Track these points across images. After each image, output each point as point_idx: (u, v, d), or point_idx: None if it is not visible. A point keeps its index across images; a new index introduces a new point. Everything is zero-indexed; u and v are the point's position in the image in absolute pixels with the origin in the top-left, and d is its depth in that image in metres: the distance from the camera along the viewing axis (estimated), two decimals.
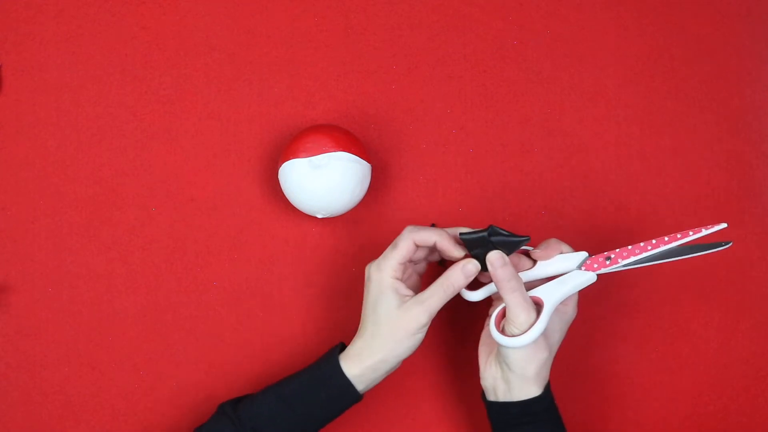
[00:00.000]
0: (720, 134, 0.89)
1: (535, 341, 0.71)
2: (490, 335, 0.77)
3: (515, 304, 0.71)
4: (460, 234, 0.74)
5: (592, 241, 0.86)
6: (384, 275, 0.73)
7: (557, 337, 0.75)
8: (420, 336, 0.73)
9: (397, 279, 0.73)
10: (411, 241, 0.74)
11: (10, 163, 0.85)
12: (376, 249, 0.85)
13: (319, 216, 0.81)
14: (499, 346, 0.73)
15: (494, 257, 0.72)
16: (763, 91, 0.89)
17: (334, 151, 0.79)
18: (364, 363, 0.73)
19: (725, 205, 0.88)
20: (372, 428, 0.84)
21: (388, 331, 0.72)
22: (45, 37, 0.86)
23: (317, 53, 0.87)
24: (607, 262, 0.75)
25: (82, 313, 0.84)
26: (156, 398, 0.83)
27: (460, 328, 0.85)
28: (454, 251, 0.74)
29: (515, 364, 0.72)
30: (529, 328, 0.70)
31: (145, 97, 0.86)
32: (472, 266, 0.73)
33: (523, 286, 0.72)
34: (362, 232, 0.86)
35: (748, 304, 0.87)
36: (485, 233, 0.72)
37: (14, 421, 0.82)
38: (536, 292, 0.74)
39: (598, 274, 0.75)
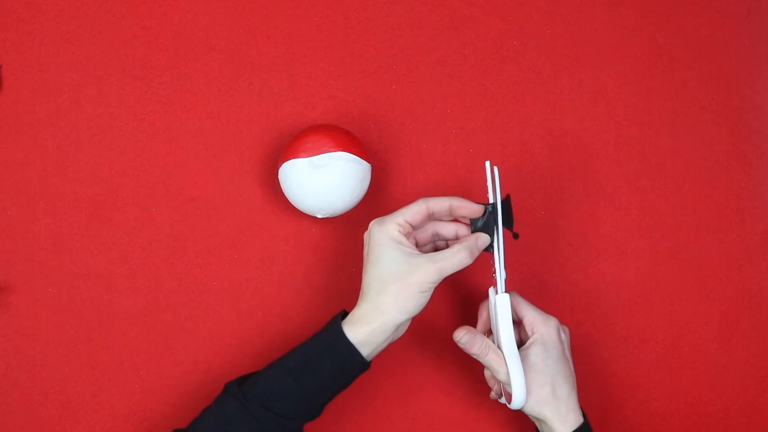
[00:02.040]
0: (720, 134, 0.89)
1: (524, 400, 0.72)
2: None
3: (492, 362, 0.74)
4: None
5: (592, 240, 0.86)
6: (387, 228, 0.71)
7: (551, 364, 0.74)
8: (427, 296, 0.71)
9: (400, 234, 0.72)
10: (424, 205, 0.73)
11: (10, 163, 0.85)
12: None
13: (319, 216, 0.81)
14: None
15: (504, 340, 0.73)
16: (763, 91, 0.89)
17: (334, 151, 0.79)
18: (370, 326, 0.70)
19: (725, 205, 0.88)
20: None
21: (399, 287, 0.70)
22: (45, 37, 0.86)
23: (317, 53, 0.87)
24: (494, 276, 0.75)
25: (82, 313, 0.84)
26: (156, 398, 0.83)
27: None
28: (474, 206, 0.73)
29: (529, 414, 0.74)
30: (512, 388, 0.72)
31: (145, 97, 0.86)
32: (486, 238, 0.73)
33: (520, 361, 0.73)
34: (362, 232, 0.85)
35: (748, 304, 0.87)
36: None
37: (14, 421, 0.82)
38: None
39: (503, 292, 0.74)
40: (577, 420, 0.74)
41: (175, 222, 0.85)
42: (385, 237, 0.71)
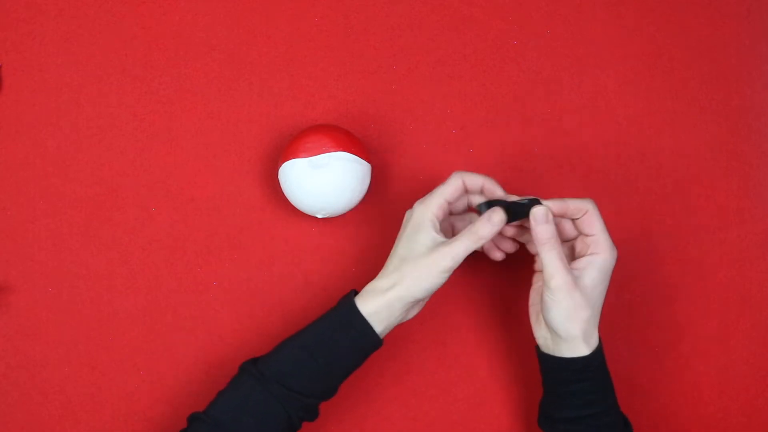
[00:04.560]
0: (720, 134, 0.89)
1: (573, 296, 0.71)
2: (538, 293, 0.77)
3: (550, 266, 0.71)
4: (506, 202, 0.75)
5: None
6: (428, 209, 0.73)
7: (599, 291, 0.73)
8: (439, 281, 0.72)
9: (438, 218, 0.73)
10: (461, 180, 0.74)
11: (10, 163, 0.85)
12: (376, 249, 0.85)
13: (319, 216, 0.81)
14: (541, 309, 0.73)
15: (538, 212, 0.72)
16: (763, 91, 0.89)
17: (334, 151, 0.79)
18: (379, 298, 0.72)
19: (725, 205, 0.88)
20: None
21: (412, 267, 0.71)
22: (45, 37, 0.86)
23: (317, 53, 0.87)
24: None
25: (82, 313, 0.84)
26: (156, 398, 0.83)
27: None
28: (500, 191, 0.75)
29: (559, 326, 0.72)
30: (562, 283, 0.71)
31: (145, 97, 0.86)
32: (497, 216, 0.73)
33: (560, 247, 0.72)
34: (362, 232, 0.86)
35: (748, 304, 0.87)
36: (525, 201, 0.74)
37: (14, 421, 0.82)
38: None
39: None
40: (596, 340, 0.74)
41: (175, 222, 0.85)
42: (424, 218, 0.73)
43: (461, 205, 0.77)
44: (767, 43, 0.90)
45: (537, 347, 0.77)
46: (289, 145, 0.80)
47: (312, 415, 0.74)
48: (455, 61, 0.88)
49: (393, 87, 0.87)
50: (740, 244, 0.87)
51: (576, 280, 0.72)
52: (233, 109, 0.86)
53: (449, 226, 0.78)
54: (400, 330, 0.84)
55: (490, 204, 0.74)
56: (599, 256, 0.73)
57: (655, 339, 0.86)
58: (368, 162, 0.81)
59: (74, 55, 0.86)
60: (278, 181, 0.82)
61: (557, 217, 0.75)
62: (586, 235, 0.74)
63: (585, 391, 0.74)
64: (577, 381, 0.73)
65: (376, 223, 0.86)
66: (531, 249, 0.79)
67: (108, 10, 0.87)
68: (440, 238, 0.73)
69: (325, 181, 0.78)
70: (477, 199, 0.76)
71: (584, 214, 0.74)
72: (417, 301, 0.73)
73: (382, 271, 0.74)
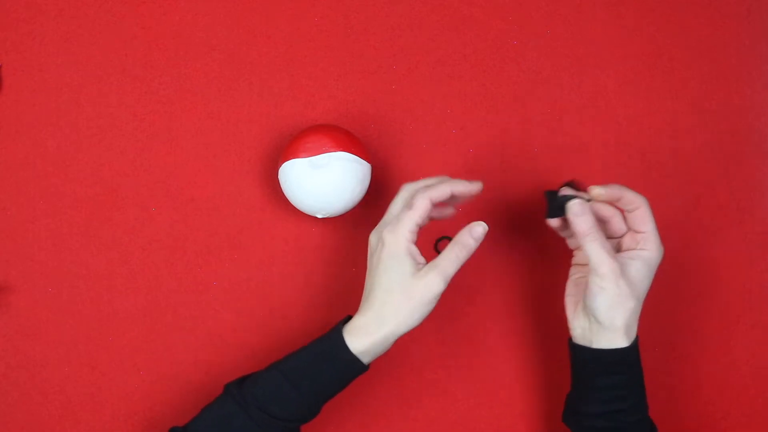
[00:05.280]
0: (720, 134, 0.89)
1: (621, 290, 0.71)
2: (575, 285, 0.77)
3: (596, 254, 0.71)
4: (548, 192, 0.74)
5: None
6: (400, 238, 0.70)
7: (645, 285, 0.73)
8: (433, 305, 0.70)
9: (413, 243, 0.71)
10: (427, 200, 0.71)
11: (10, 163, 0.85)
12: None
13: (319, 216, 0.81)
14: (585, 299, 0.73)
15: (574, 205, 0.72)
16: (763, 91, 0.89)
17: (334, 151, 0.79)
18: (371, 337, 0.70)
19: (725, 205, 0.88)
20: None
21: (402, 300, 0.69)
22: (45, 37, 0.86)
23: (317, 53, 0.87)
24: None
25: (82, 313, 0.84)
26: (156, 398, 0.83)
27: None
28: (473, 187, 0.73)
29: (603, 315, 0.71)
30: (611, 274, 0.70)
31: (145, 97, 0.86)
32: (479, 227, 0.71)
33: (603, 237, 0.71)
34: (362, 232, 0.85)
35: (748, 304, 0.87)
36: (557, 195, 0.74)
37: (14, 421, 0.82)
38: None
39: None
40: (634, 334, 0.73)
41: (175, 222, 0.85)
42: (399, 248, 0.70)
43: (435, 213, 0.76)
44: (767, 43, 0.90)
45: (570, 339, 0.76)
46: (289, 145, 0.80)
47: None
48: (455, 61, 0.88)
49: (393, 87, 0.87)
50: (740, 244, 0.87)
51: (622, 269, 0.71)
52: (233, 109, 0.86)
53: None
54: None
55: (551, 193, 0.74)
56: (647, 252, 0.73)
57: (655, 339, 0.86)
58: (368, 162, 0.81)
59: (74, 55, 0.86)
60: (278, 181, 0.82)
61: (608, 210, 0.74)
62: (637, 232, 0.74)
63: (617, 385, 0.73)
64: (612, 374, 0.73)
65: (376, 223, 0.86)
66: (571, 244, 0.78)
67: (108, 10, 0.87)
68: (422, 262, 0.71)
69: (325, 181, 0.78)
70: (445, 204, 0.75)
71: (636, 209, 0.73)
72: (409, 330, 0.71)
73: (366, 305, 0.71)
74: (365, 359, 0.71)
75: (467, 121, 0.87)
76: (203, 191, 0.85)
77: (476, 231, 0.71)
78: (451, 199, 0.74)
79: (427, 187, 0.72)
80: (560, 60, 0.88)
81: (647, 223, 0.73)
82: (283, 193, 0.82)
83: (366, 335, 0.70)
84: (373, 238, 0.73)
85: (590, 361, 0.74)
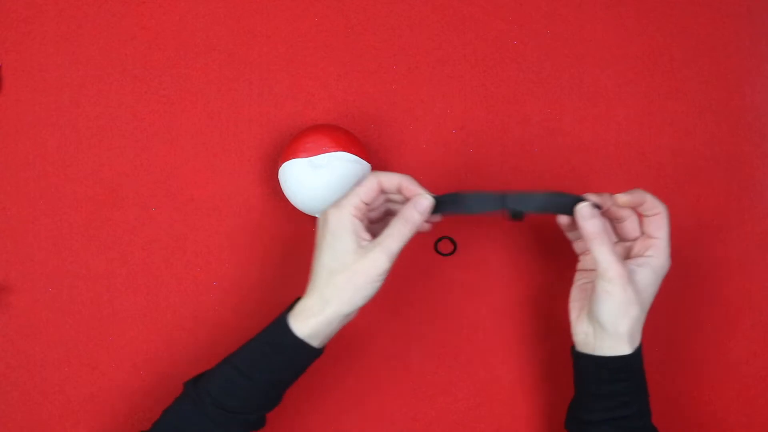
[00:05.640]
0: (720, 134, 0.89)
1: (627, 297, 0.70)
2: (580, 290, 0.76)
3: (604, 258, 0.70)
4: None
5: None
6: (344, 212, 0.68)
7: (651, 293, 0.72)
8: (378, 284, 0.68)
9: (357, 218, 0.69)
10: (375, 181, 0.70)
11: (10, 163, 0.85)
12: None
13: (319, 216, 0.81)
14: (591, 303, 0.72)
15: (583, 209, 0.71)
16: (763, 91, 0.89)
17: (334, 151, 0.79)
18: (316, 319, 0.68)
19: (725, 205, 0.88)
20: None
21: (346, 278, 0.68)
22: (45, 37, 0.86)
23: (317, 53, 0.87)
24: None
25: (82, 313, 0.84)
26: (156, 398, 0.83)
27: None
28: (420, 189, 0.71)
29: (607, 320, 0.71)
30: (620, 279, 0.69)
31: (145, 97, 0.86)
32: (424, 200, 0.70)
33: (612, 242, 0.71)
34: None
35: (748, 304, 0.87)
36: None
37: (14, 421, 0.82)
38: None
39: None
40: (638, 342, 0.73)
41: (175, 222, 0.85)
42: (341, 223, 0.68)
43: (378, 214, 0.74)
44: (767, 43, 0.90)
45: (572, 348, 0.76)
46: (289, 145, 0.80)
47: (257, 425, 0.73)
48: (455, 61, 0.88)
49: (393, 87, 0.87)
50: (740, 244, 0.87)
51: (630, 275, 0.71)
52: (233, 109, 0.86)
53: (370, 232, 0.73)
54: (400, 329, 0.84)
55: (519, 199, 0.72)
56: (656, 259, 0.72)
57: (655, 339, 0.86)
58: (368, 162, 0.81)
59: (74, 55, 0.86)
60: (278, 181, 0.82)
61: (625, 211, 0.74)
62: (650, 237, 0.73)
63: (621, 392, 0.72)
64: (615, 381, 0.72)
65: None
66: (577, 248, 0.78)
67: (108, 10, 0.87)
68: (366, 239, 0.69)
69: (325, 181, 0.78)
70: (395, 197, 0.73)
71: (656, 215, 0.73)
72: (357, 310, 0.70)
73: (310, 286, 0.70)
74: (314, 342, 0.70)
75: (467, 121, 0.87)
76: (203, 191, 0.85)
77: (421, 204, 0.70)
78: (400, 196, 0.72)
79: (380, 172, 0.71)
80: (560, 60, 0.88)
81: (661, 230, 0.73)
82: (283, 193, 0.82)
83: (310, 317, 0.69)
84: (321, 215, 0.71)
85: (593, 369, 0.73)
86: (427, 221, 0.74)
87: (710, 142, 0.88)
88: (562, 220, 0.76)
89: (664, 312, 0.86)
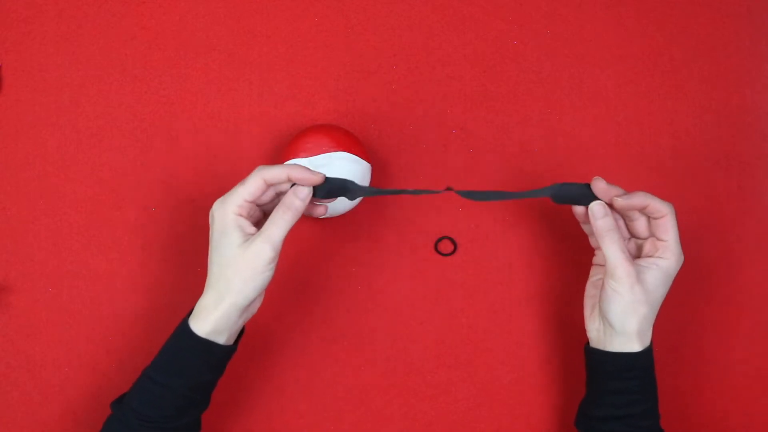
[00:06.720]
0: (720, 134, 0.89)
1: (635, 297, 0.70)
2: (594, 287, 0.76)
3: (613, 256, 0.70)
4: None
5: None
6: (227, 211, 0.69)
7: (660, 293, 0.73)
8: (268, 274, 0.69)
9: (241, 216, 0.70)
10: (260, 179, 0.70)
11: (10, 163, 0.85)
12: (375, 249, 0.85)
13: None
14: (599, 301, 0.73)
15: (596, 209, 0.71)
16: (763, 91, 0.89)
17: (334, 151, 0.79)
18: (214, 315, 0.69)
19: (725, 205, 0.88)
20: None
21: (234, 272, 0.69)
22: (45, 37, 0.86)
23: (317, 53, 0.87)
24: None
25: (82, 313, 0.84)
26: None
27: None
28: (312, 175, 0.70)
29: (615, 319, 0.71)
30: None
31: (145, 97, 0.86)
32: (303, 188, 0.70)
33: (622, 240, 0.71)
34: (362, 232, 0.86)
35: (748, 304, 0.87)
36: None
37: (14, 421, 0.82)
38: None
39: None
40: (648, 340, 0.73)
41: (175, 222, 0.85)
42: (225, 221, 0.69)
43: (268, 197, 0.73)
44: (767, 43, 0.90)
45: (586, 344, 0.76)
46: (289, 145, 0.80)
47: (191, 430, 0.73)
48: (455, 61, 0.88)
49: (393, 87, 0.87)
50: (740, 244, 0.87)
51: (638, 275, 0.71)
52: (233, 109, 0.86)
53: (263, 217, 0.74)
54: (400, 329, 0.84)
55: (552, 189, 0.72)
56: (666, 261, 0.72)
57: (655, 338, 0.86)
58: (368, 162, 0.81)
59: (74, 55, 0.86)
60: None
61: (634, 211, 0.74)
62: (658, 239, 0.73)
63: (628, 389, 0.73)
64: (624, 378, 0.73)
65: (376, 223, 0.86)
66: (593, 242, 0.78)
67: (108, 10, 0.87)
68: (250, 231, 0.70)
69: None
70: (285, 187, 0.72)
71: (662, 217, 0.73)
72: (254, 300, 0.71)
73: (206, 284, 0.71)
74: (220, 339, 0.70)
75: (467, 121, 0.87)
76: (203, 191, 0.85)
77: (301, 191, 0.70)
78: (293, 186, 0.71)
79: (266, 167, 0.71)
80: (560, 60, 0.88)
81: (669, 232, 0.73)
82: None
83: (209, 315, 0.69)
84: (211, 211, 0.72)
85: (603, 364, 0.74)
86: (319, 204, 0.74)
87: (710, 142, 0.88)
88: (578, 211, 0.75)
89: (664, 312, 0.86)
